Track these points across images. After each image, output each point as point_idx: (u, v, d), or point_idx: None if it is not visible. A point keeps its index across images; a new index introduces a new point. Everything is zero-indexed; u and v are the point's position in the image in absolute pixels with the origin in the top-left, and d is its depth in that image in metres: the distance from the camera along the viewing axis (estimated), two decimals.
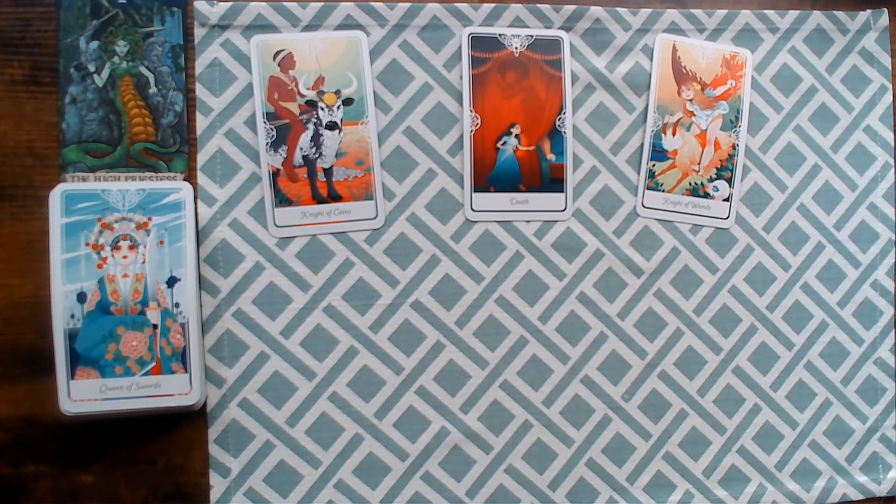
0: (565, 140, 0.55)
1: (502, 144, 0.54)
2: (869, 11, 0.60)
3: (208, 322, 0.51)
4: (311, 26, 0.53)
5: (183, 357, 0.48)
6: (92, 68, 0.50)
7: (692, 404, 0.57)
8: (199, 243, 0.51)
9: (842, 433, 0.59)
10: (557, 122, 0.55)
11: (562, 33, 0.55)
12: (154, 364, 0.47)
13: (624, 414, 0.56)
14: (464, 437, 0.54)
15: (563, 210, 0.55)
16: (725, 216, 0.57)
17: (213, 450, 0.51)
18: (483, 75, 0.54)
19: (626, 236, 0.56)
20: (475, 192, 0.54)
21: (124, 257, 0.47)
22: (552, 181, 0.55)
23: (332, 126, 0.53)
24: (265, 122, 0.52)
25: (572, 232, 0.56)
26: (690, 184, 0.57)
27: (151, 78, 0.51)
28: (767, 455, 0.58)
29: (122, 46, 0.51)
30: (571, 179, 0.56)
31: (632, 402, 0.56)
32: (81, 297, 0.47)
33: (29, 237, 0.50)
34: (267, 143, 0.52)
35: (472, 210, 0.54)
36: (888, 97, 0.60)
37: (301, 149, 0.52)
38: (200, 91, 0.52)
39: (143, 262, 0.48)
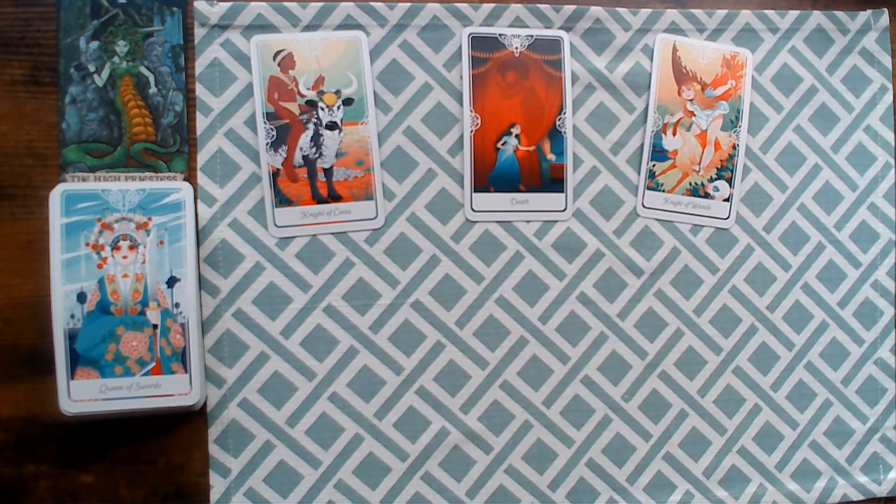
0: (565, 140, 0.55)
1: (502, 144, 0.54)
2: (869, 11, 0.60)
3: (208, 322, 0.51)
4: (311, 26, 0.53)
5: (183, 357, 0.48)
6: (92, 68, 0.50)
7: (692, 404, 0.57)
8: (199, 243, 0.51)
9: (842, 433, 0.59)
10: (557, 122, 0.55)
11: (562, 33, 0.55)
12: (154, 364, 0.47)
13: (624, 414, 0.56)
14: (464, 438, 0.54)
15: (564, 210, 0.55)
16: (726, 216, 0.57)
17: (213, 450, 0.51)
18: (483, 75, 0.54)
19: (626, 236, 0.56)
20: (475, 192, 0.54)
21: (124, 257, 0.47)
22: (552, 181, 0.55)
23: (332, 126, 0.53)
24: (265, 122, 0.52)
25: (572, 232, 0.56)
26: (691, 184, 0.57)
27: (151, 78, 0.51)
28: (768, 455, 0.58)
29: (122, 46, 0.51)
30: (571, 179, 0.56)
31: (632, 403, 0.56)
32: (81, 297, 0.47)
33: (29, 237, 0.50)
34: (267, 143, 0.52)
35: (473, 210, 0.54)
36: (888, 97, 0.60)
37: (301, 149, 0.52)
38: (200, 91, 0.52)
39: (143, 262, 0.48)
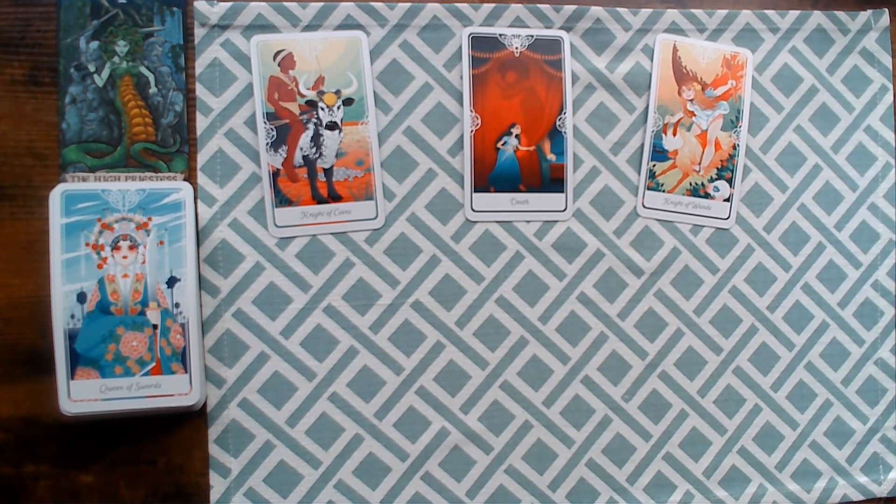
0: (566, 140, 0.55)
1: (502, 144, 0.54)
2: (869, 11, 0.60)
3: (208, 322, 0.51)
4: (312, 26, 0.53)
5: (183, 357, 0.48)
6: (92, 68, 0.50)
7: (692, 405, 0.57)
8: (199, 243, 0.51)
9: (842, 434, 0.59)
10: (558, 123, 0.55)
11: (562, 33, 0.55)
12: (154, 364, 0.47)
13: (624, 414, 0.56)
14: (464, 438, 0.54)
15: (564, 210, 0.55)
16: (726, 216, 0.57)
17: (213, 450, 0.51)
18: (483, 75, 0.54)
19: (626, 236, 0.56)
20: (475, 192, 0.54)
21: (124, 257, 0.47)
22: (552, 181, 0.55)
23: (332, 126, 0.53)
24: (265, 122, 0.52)
25: (572, 232, 0.56)
26: (691, 184, 0.57)
27: (151, 78, 0.51)
28: (768, 455, 0.58)
29: (122, 46, 0.51)
30: (572, 179, 0.56)
31: (632, 403, 0.56)
32: (81, 297, 0.47)
33: (29, 237, 0.50)
34: (267, 143, 0.52)
35: (473, 210, 0.54)
36: (889, 97, 0.60)
37: (301, 149, 0.52)
38: (200, 91, 0.52)
39: (143, 263, 0.48)
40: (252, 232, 0.52)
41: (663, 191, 0.57)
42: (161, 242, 0.48)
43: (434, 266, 0.54)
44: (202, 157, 0.52)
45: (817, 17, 0.59)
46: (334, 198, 0.53)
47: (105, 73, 0.51)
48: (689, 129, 0.57)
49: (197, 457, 0.51)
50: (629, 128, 0.57)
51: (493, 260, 0.55)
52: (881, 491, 0.59)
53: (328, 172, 0.53)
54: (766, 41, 0.59)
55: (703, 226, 0.57)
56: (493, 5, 0.55)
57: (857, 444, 0.59)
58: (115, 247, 0.47)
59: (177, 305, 0.48)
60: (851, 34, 0.60)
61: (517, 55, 0.55)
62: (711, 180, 0.57)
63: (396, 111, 0.54)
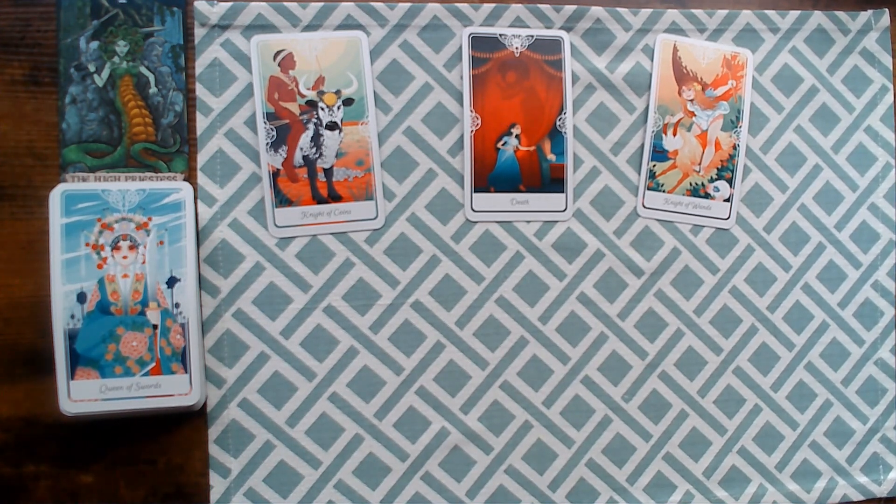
0: (566, 140, 0.55)
1: (503, 144, 0.54)
2: (870, 12, 0.60)
3: (208, 322, 0.51)
4: (312, 26, 0.53)
5: (183, 357, 0.48)
6: (92, 68, 0.50)
7: (692, 405, 0.57)
8: (199, 243, 0.51)
9: (842, 434, 0.59)
10: (558, 123, 0.55)
11: (562, 33, 0.55)
12: (154, 364, 0.47)
13: (624, 414, 0.56)
14: (464, 438, 0.54)
15: (564, 210, 0.55)
16: (726, 216, 0.57)
17: (213, 450, 0.51)
18: (483, 75, 0.54)
19: (626, 237, 0.56)
20: (475, 192, 0.54)
21: (124, 257, 0.47)
22: (552, 181, 0.55)
23: (332, 126, 0.52)
24: (265, 122, 0.52)
25: (573, 232, 0.56)
26: (691, 184, 0.57)
27: (151, 78, 0.51)
28: (768, 456, 0.58)
29: (122, 46, 0.51)
30: (572, 180, 0.56)
31: (632, 403, 0.56)
32: (81, 298, 0.47)
33: (29, 237, 0.50)
34: (267, 143, 0.52)
35: (473, 210, 0.54)
36: (889, 97, 0.60)
37: (301, 149, 0.52)
38: (200, 91, 0.52)
39: (143, 263, 0.48)
40: (252, 232, 0.52)
41: (663, 191, 0.57)
42: (161, 242, 0.48)
43: (434, 266, 0.54)
44: (202, 157, 0.52)
45: (817, 18, 0.59)
46: (334, 198, 0.53)
47: (105, 73, 0.51)
48: (689, 130, 0.57)
49: (197, 457, 0.51)
50: (629, 128, 0.57)
51: (494, 260, 0.55)
52: (881, 491, 0.59)
53: (328, 172, 0.52)
54: (767, 41, 0.58)
55: (704, 226, 0.57)
56: (493, 5, 0.55)
57: (857, 445, 0.59)
58: (115, 247, 0.47)
59: (177, 305, 0.48)
60: (852, 34, 0.60)
61: (517, 55, 0.55)
62: (711, 180, 0.57)
63: (396, 111, 0.54)
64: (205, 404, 0.51)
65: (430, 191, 0.54)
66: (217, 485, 0.51)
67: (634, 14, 0.56)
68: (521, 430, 0.55)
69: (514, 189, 0.55)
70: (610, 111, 0.56)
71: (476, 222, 0.55)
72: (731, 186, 0.57)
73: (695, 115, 0.57)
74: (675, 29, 0.57)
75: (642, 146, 0.57)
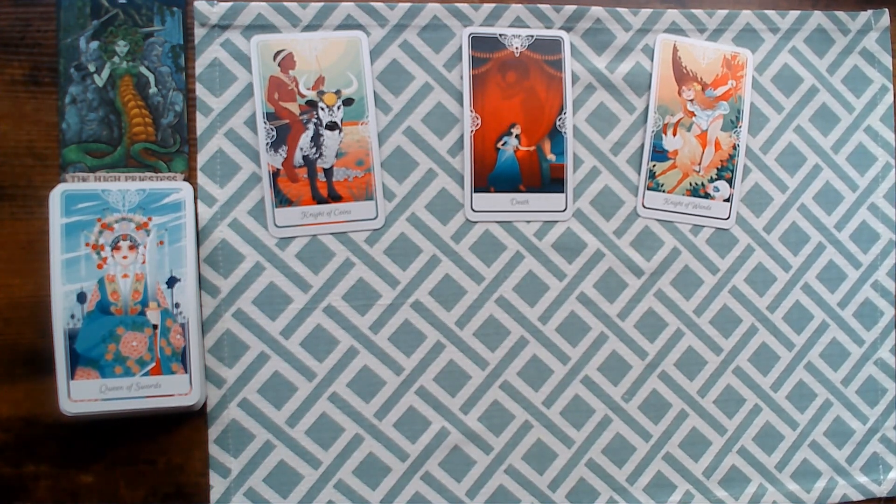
0: (566, 140, 0.55)
1: (503, 144, 0.54)
2: (870, 12, 0.60)
3: (208, 322, 0.51)
4: (312, 26, 0.53)
5: (183, 357, 0.48)
6: (92, 68, 0.50)
7: (692, 405, 0.57)
8: (199, 243, 0.51)
9: (842, 434, 0.59)
10: (558, 123, 0.55)
11: (562, 33, 0.55)
12: (154, 364, 0.47)
13: (624, 414, 0.56)
14: (464, 438, 0.54)
15: (564, 210, 0.55)
16: (726, 216, 0.57)
17: (213, 450, 0.51)
18: (483, 75, 0.54)
19: (626, 237, 0.56)
20: (475, 192, 0.54)
21: (124, 257, 0.47)
22: (552, 181, 0.55)
23: (332, 126, 0.52)
24: (265, 122, 0.52)
25: (572, 232, 0.56)
26: (691, 184, 0.57)
27: (151, 78, 0.51)
28: (768, 455, 0.58)
29: (122, 46, 0.51)
30: (572, 180, 0.56)
31: (632, 403, 0.56)
32: (81, 297, 0.47)
33: (29, 237, 0.50)
34: (267, 143, 0.52)
35: (473, 210, 0.54)
36: (889, 97, 0.60)
37: (301, 149, 0.52)
38: (200, 91, 0.52)
39: (143, 263, 0.48)
40: (252, 232, 0.52)
41: (663, 191, 0.57)
42: (161, 242, 0.48)
43: (434, 266, 0.54)
44: (202, 157, 0.52)
45: (817, 18, 0.59)
46: (334, 198, 0.53)
47: (105, 73, 0.51)
48: (689, 130, 0.57)
49: (197, 457, 0.51)
50: (629, 128, 0.57)
51: (493, 260, 0.55)
52: (881, 491, 0.59)
53: (328, 172, 0.52)
54: (767, 41, 0.58)
55: (703, 226, 0.57)
56: (493, 5, 0.55)
57: (856, 444, 0.59)
58: (115, 247, 0.47)
59: (177, 305, 0.48)
60: (852, 34, 0.60)
61: (517, 55, 0.55)
62: (711, 180, 0.57)
63: (396, 111, 0.54)
64: (205, 404, 0.51)
65: (430, 191, 0.54)
66: (217, 485, 0.51)
67: (634, 14, 0.56)
68: (521, 430, 0.55)
69: (514, 189, 0.55)
70: (610, 111, 0.56)
71: (476, 222, 0.55)
72: (730, 186, 0.57)
73: (695, 115, 0.57)
74: (675, 29, 0.57)
75: (642, 146, 0.57)
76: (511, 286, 0.55)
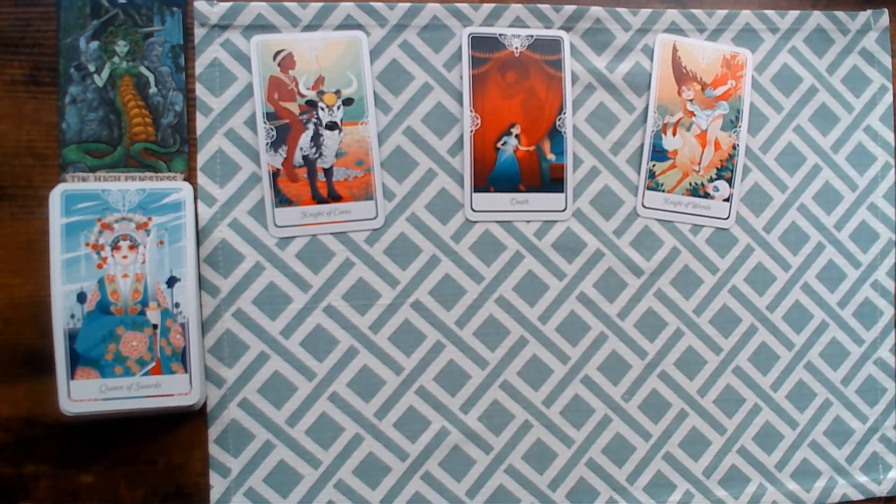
0: (565, 140, 0.55)
1: (502, 144, 0.54)
2: (869, 11, 0.60)
3: (208, 322, 0.51)
4: (311, 26, 0.53)
5: (183, 357, 0.48)
6: (92, 68, 0.50)
7: (692, 404, 0.57)
8: (199, 243, 0.51)
9: (842, 433, 0.59)
10: (557, 122, 0.55)
11: (562, 33, 0.55)
12: (154, 364, 0.47)
13: (624, 414, 0.56)
14: (464, 437, 0.54)
15: (564, 210, 0.55)
16: (726, 216, 0.57)
17: (213, 450, 0.51)
18: (483, 75, 0.54)
19: (626, 236, 0.56)
20: (475, 192, 0.54)
21: (124, 257, 0.47)
22: (552, 181, 0.55)
23: (332, 126, 0.53)
24: (265, 122, 0.52)
25: (572, 232, 0.56)
26: (691, 184, 0.57)
27: (151, 78, 0.51)
28: (767, 455, 0.58)
29: (122, 46, 0.51)
30: (571, 179, 0.56)
31: (632, 402, 0.56)
32: (81, 297, 0.47)
33: (29, 237, 0.50)
34: (267, 143, 0.52)
35: (472, 210, 0.54)
36: (888, 97, 0.60)
37: (301, 149, 0.52)
38: (200, 91, 0.52)
39: (143, 262, 0.48)
40: (252, 232, 0.52)
41: (663, 191, 0.57)
42: (161, 242, 0.48)
43: (434, 266, 0.54)
44: (202, 157, 0.52)
45: (817, 18, 0.59)
46: (334, 198, 0.53)
47: (105, 73, 0.51)
48: (688, 129, 0.57)
49: (197, 457, 0.51)
50: (629, 128, 0.57)
51: (493, 260, 0.55)
52: (881, 490, 0.59)
53: (328, 172, 0.53)
54: (766, 41, 0.59)
55: (703, 226, 0.57)
56: (493, 5, 0.55)
57: (856, 444, 0.59)
58: (115, 247, 0.47)
59: (177, 305, 0.48)
60: (851, 34, 0.60)
61: (517, 55, 0.55)
62: (711, 180, 0.57)
63: (396, 111, 0.54)
64: (205, 404, 0.51)
65: (430, 191, 0.54)
66: (217, 485, 0.51)
67: (634, 14, 0.56)
68: (521, 429, 0.55)
69: (514, 189, 0.55)
70: (609, 111, 0.56)
71: (476, 222, 0.55)
72: (730, 186, 0.57)
73: (694, 115, 0.57)
74: (674, 29, 0.57)
75: (642, 146, 0.57)
76: (511, 286, 0.55)
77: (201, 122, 0.52)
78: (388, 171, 0.54)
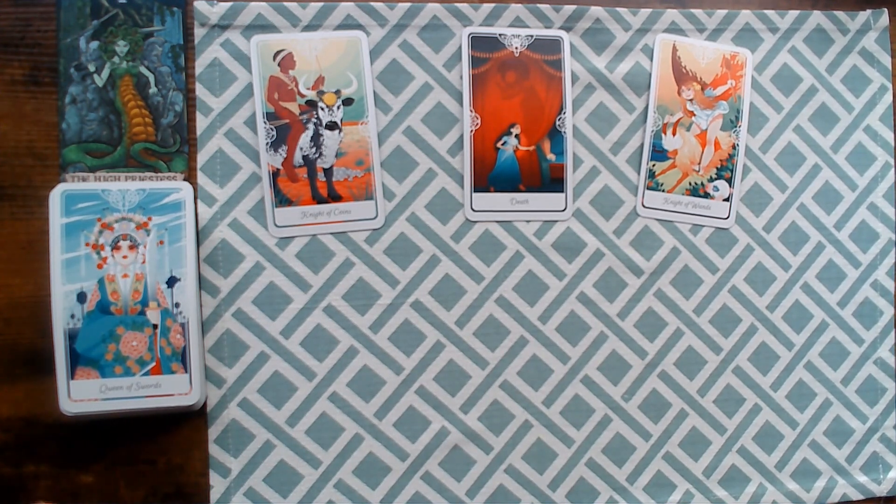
0: (565, 140, 0.55)
1: (502, 144, 0.54)
2: (869, 11, 0.60)
3: (208, 322, 0.51)
4: (311, 26, 0.53)
5: (183, 357, 0.48)
6: (92, 68, 0.50)
7: (692, 404, 0.57)
8: (199, 243, 0.51)
9: (842, 433, 0.59)
10: (557, 122, 0.55)
11: (562, 33, 0.55)
12: (154, 364, 0.47)
13: (624, 414, 0.56)
14: (464, 437, 0.54)
15: (563, 210, 0.55)
16: (725, 216, 0.57)
17: (213, 450, 0.51)
18: (483, 75, 0.54)
19: (626, 236, 0.56)
20: (475, 192, 0.54)
21: (124, 257, 0.47)
22: (552, 181, 0.55)
23: (332, 126, 0.53)
24: (265, 122, 0.52)
25: (572, 232, 0.56)
26: (690, 184, 0.57)
27: (151, 78, 0.51)
28: (767, 455, 0.58)
29: (122, 46, 0.51)
30: (571, 179, 0.56)
31: (632, 402, 0.56)
32: (81, 297, 0.47)
33: (29, 237, 0.50)
34: (267, 143, 0.52)
35: (472, 210, 0.54)
36: (888, 97, 0.60)
37: (301, 149, 0.52)
38: (200, 91, 0.52)
39: (143, 262, 0.48)
40: (252, 232, 0.52)
41: (663, 190, 0.57)
42: (161, 242, 0.48)
43: (434, 266, 0.54)
44: (202, 157, 0.52)
45: (817, 17, 0.59)
46: (334, 198, 0.53)
47: (105, 73, 0.51)
48: (688, 129, 0.57)
49: (197, 457, 0.51)
50: (629, 128, 0.57)
51: (493, 260, 0.55)
52: (881, 490, 0.59)
53: (328, 172, 0.53)
54: (766, 41, 0.59)
55: (703, 225, 0.57)
56: (493, 5, 0.55)
57: (856, 444, 0.59)
58: (115, 247, 0.47)
59: (177, 305, 0.48)
60: (851, 34, 0.60)
61: (517, 55, 0.55)
62: (711, 180, 0.57)
63: (396, 111, 0.54)
64: (205, 404, 0.51)
65: (430, 190, 0.54)
66: (217, 485, 0.51)
67: (634, 14, 0.56)
68: (521, 429, 0.55)
69: (514, 189, 0.55)
70: (609, 111, 0.56)
71: (476, 222, 0.55)
72: (730, 186, 0.57)
73: (694, 115, 0.57)
74: (674, 29, 0.57)
75: (642, 146, 0.57)
76: (511, 286, 0.55)
77: (201, 122, 0.52)
78: (388, 171, 0.54)
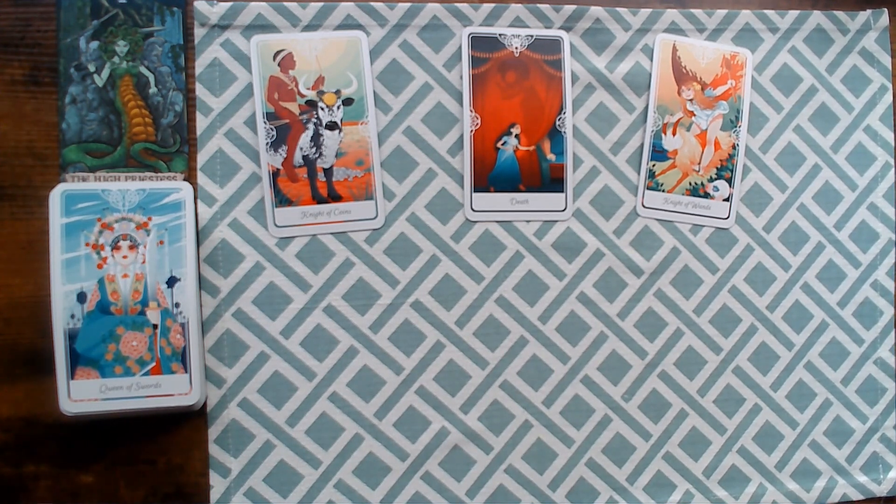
0: (565, 140, 0.55)
1: (502, 144, 0.54)
2: (869, 11, 0.60)
3: (208, 322, 0.51)
4: (311, 26, 0.53)
5: (183, 357, 0.48)
6: (92, 68, 0.50)
7: (692, 404, 0.57)
8: (199, 243, 0.51)
9: (842, 433, 0.59)
10: (557, 122, 0.55)
11: (562, 33, 0.55)
12: (154, 364, 0.47)
13: (624, 414, 0.56)
14: (464, 437, 0.54)
15: (563, 210, 0.55)
16: (725, 216, 0.57)
17: (213, 450, 0.51)
18: (483, 75, 0.54)
19: (626, 236, 0.56)
20: (475, 192, 0.54)
21: (124, 257, 0.47)
22: (552, 181, 0.55)
23: (332, 126, 0.53)
24: (265, 122, 0.52)
25: (572, 232, 0.56)
26: (690, 184, 0.57)
27: (151, 78, 0.51)
28: (767, 455, 0.58)
29: (122, 46, 0.51)
30: (571, 179, 0.56)
31: (632, 402, 0.56)
32: (81, 297, 0.47)
33: (29, 237, 0.50)
34: (267, 143, 0.52)
35: (472, 210, 0.54)
36: (888, 97, 0.60)
37: (301, 149, 0.52)
38: (200, 91, 0.52)
39: (143, 262, 0.48)
40: (252, 232, 0.52)
41: (663, 190, 0.57)
42: (161, 242, 0.48)
43: (434, 266, 0.54)
44: (202, 157, 0.52)
45: (817, 17, 0.59)
46: (334, 198, 0.53)
47: (105, 73, 0.51)
48: (688, 129, 0.57)
49: (197, 457, 0.51)
50: (629, 128, 0.57)
51: (493, 260, 0.55)
52: (881, 490, 0.59)
53: (328, 172, 0.53)
54: (766, 41, 0.59)
55: (703, 225, 0.57)
56: (493, 5, 0.55)
57: (856, 444, 0.59)
58: (115, 247, 0.47)
59: (177, 305, 0.48)
60: (851, 34, 0.60)
61: (517, 55, 0.55)
62: (711, 180, 0.57)
63: (396, 111, 0.54)
64: (205, 404, 0.51)
65: (430, 190, 0.54)
66: (217, 485, 0.51)
67: (634, 14, 0.56)
68: (521, 429, 0.55)
69: (514, 189, 0.55)
70: (609, 111, 0.56)
71: (476, 222, 0.55)
72: (730, 186, 0.57)
73: (694, 115, 0.57)
74: (674, 29, 0.57)
75: (642, 146, 0.57)
76: (511, 286, 0.55)
77: (201, 122, 0.52)
78: (388, 171, 0.54)
